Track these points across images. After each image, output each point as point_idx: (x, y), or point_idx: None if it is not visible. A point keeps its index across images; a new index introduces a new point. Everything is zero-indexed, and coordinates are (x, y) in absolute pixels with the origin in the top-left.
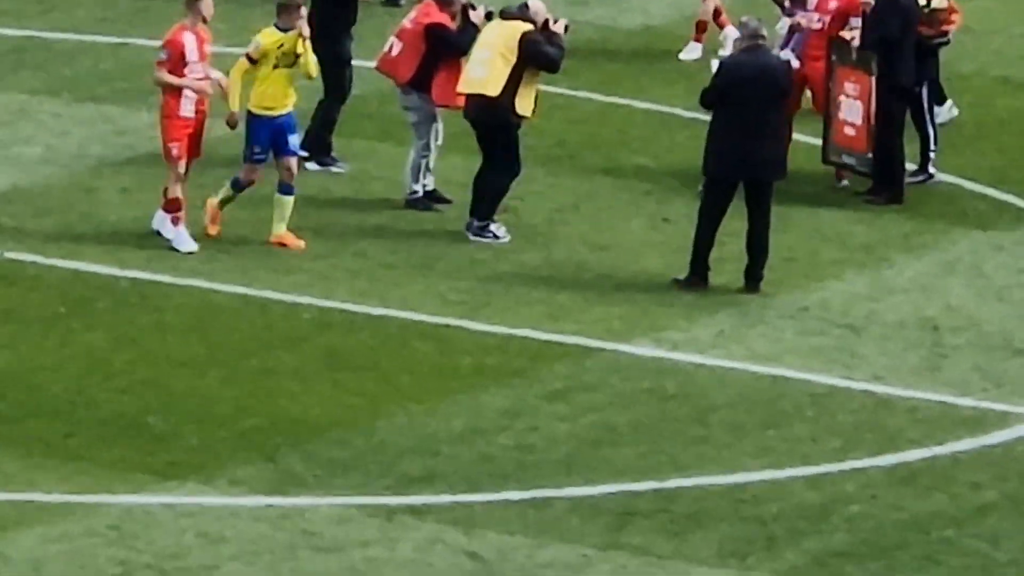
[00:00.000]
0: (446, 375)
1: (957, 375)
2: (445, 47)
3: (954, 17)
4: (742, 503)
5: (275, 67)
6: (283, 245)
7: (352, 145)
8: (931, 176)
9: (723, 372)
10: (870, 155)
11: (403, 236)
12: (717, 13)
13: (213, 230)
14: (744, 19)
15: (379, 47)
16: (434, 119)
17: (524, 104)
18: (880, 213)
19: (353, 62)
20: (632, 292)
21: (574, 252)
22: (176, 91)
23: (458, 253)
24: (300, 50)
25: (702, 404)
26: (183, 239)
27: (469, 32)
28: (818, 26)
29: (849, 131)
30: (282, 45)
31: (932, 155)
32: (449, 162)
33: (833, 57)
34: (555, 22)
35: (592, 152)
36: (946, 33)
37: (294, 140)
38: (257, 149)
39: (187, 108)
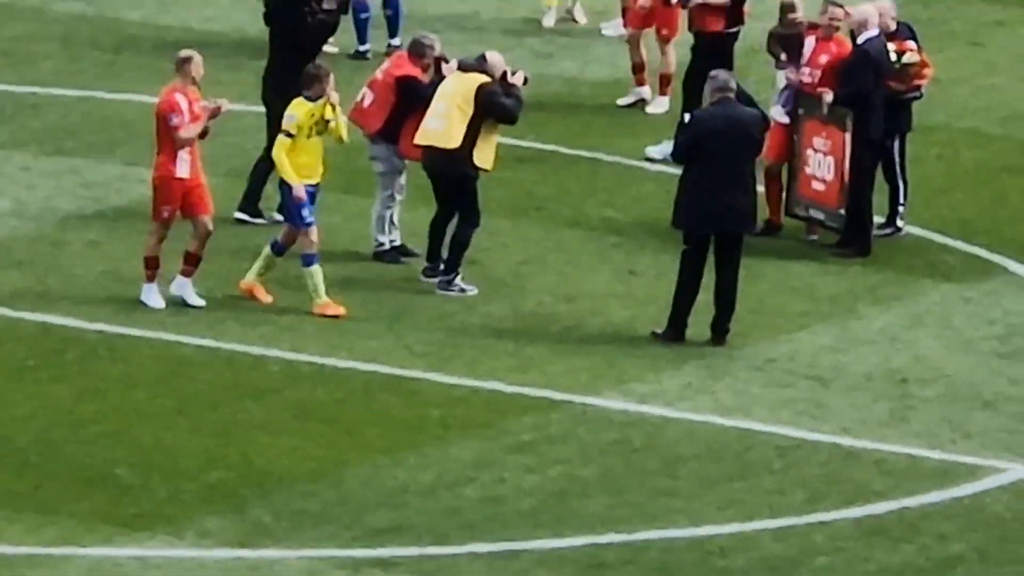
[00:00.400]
0: (413, 427)
1: (925, 427)
2: (416, 99)
3: (926, 71)
4: (709, 555)
5: (308, 136)
6: (326, 315)
7: (319, 198)
8: (899, 229)
9: (690, 424)
10: (842, 211)
11: (370, 288)
12: (638, 68)
13: (267, 298)
14: (713, 72)
15: (344, 97)
16: (400, 171)
17: (483, 156)
18: (847, 265)
19: None
20: (599, 344)
21: (541, 304)
22: (172, 152)
23: (425, 305)
24: (330, 116)
25: (669, 456)
26: (152, 295)
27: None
28: (809, 80)
29: (817, 185)
30: (314, 115)
31: (901, 208)
32: (418, 214)
33: (801, 110)
34: (513, 74)
35: (559, 204)
36: (919, 87)
37: (307, 211)
38: (306, 212)
39: (183, 169)
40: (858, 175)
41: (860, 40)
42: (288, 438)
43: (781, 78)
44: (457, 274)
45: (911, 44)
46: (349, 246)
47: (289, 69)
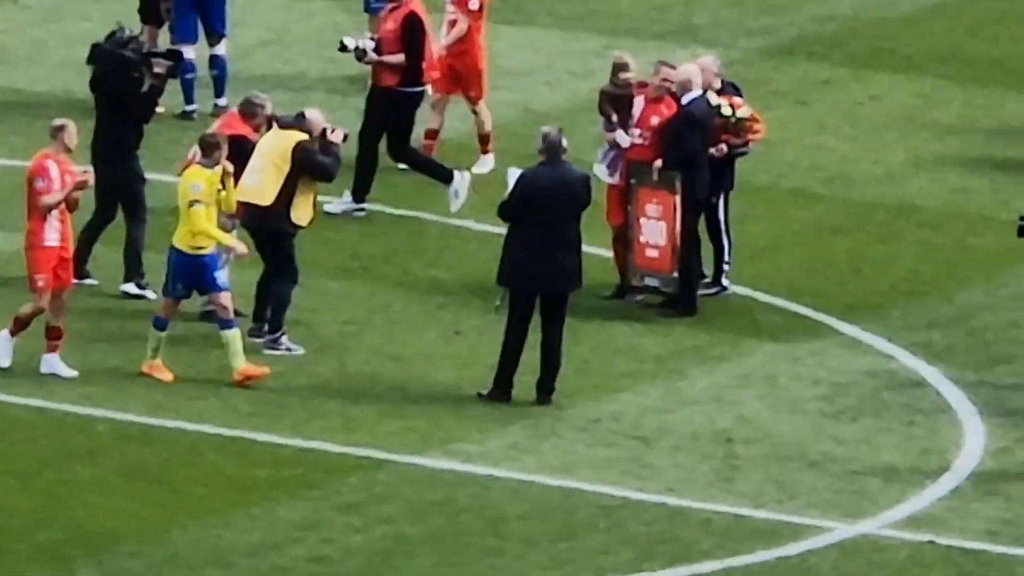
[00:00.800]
0: (241, 488)
1: (751, 487)
2: (246, 159)
3: (758, 127)
4: None
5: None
6: (250, 378)
7: (148, 259)
8: (724, 288)
9: (516, 484)
10: (675, 274)
11: (197, 348)
12: (431, 134)
13: (168, 376)
14: (545, 130)
15: (172, 157)
16: (228, 229)
17: (300, 214)
18: (673, 325)
19: (147, 176)
20: (426, 404)
21: (368, 364)
22: (41, 220)
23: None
24: (221, 186)
25: (495, 516)
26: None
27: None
28: (640, 142)
29: (651, 253)
30: (213, 183)
31: (726, 267)
32: (245, 274)
33: (632, 180)
34: (332, 131)
35: (385, 264)
36: (747, 143)
37: (221, 276)
38: (180, 286)
39: (52, 237)
40: (685, 235)
41: (684, 101)
42: (116, 498)
43: (623, 137)
44: (282, 332)
45: (739, 100)
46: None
47: (119, 135)
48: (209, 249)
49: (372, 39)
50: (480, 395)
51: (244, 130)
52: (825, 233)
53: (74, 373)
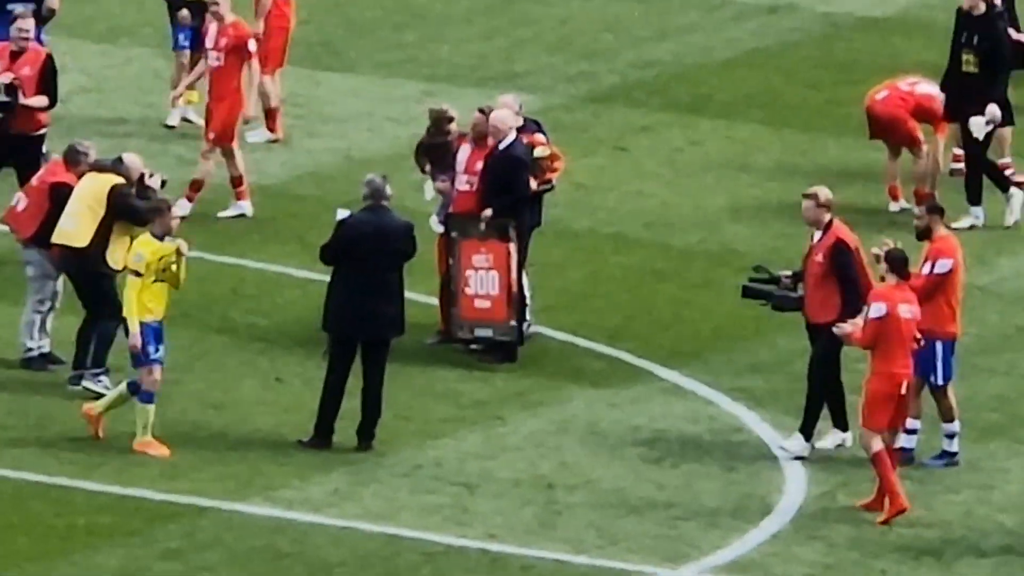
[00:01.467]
0: (62, 535)
1: (572, 532)
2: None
3: (557, 164)
4: None
5: (154, 280)
6: (146, 452)
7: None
8: (530, 324)
9: (337, 531)
10: (512, 322)
11: (17, 395)
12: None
13: (164, 451)
14: (369, 177)
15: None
16: (53, 277)
17: (115, 257)
18: (494, 371)
19: None
20: (246, 451)
21: (188, 411)
22: None
23: (73, 413)
24: (173, 261)
25: (316, 562)
26: None
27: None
28: (466, 188)
29: (482, 303)
30: (162, 257)
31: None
32: (66, 321)
33: (453, 233)
34: (151, 176)
35: (205, 311)
36: (550, 180)
37: (162, 348)
38: (152, 349)
39: None
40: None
41: (503, 146)
42: None
43: (430, 188)
44: (105, 371)
45: (540, 137)
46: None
47: None
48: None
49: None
50: (301, 442)
51: (67, 177)
52: (646, 279)
53: None
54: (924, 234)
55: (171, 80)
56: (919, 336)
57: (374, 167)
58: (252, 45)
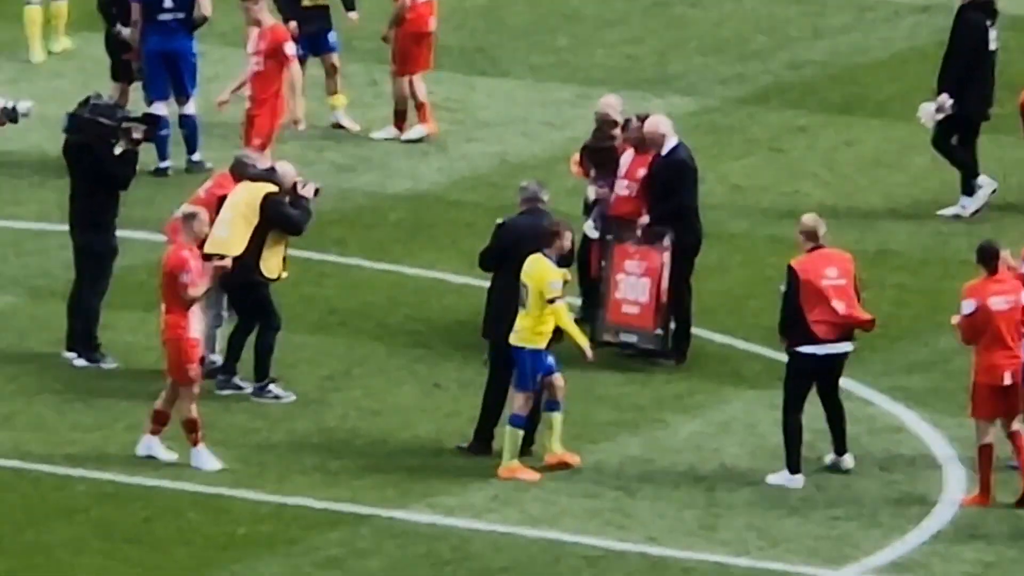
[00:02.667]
0: (220, 545)
1: (733, 534)
2: None
3: None
4: None
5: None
6: (564, 464)
7: (121, 317)
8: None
9: (498, 536)
10: (658, 331)
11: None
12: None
13: (534, 476)
14: (524, 183)
15: (147, 214)
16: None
17: (269, 266)
18: (653, 374)
19: (118, 232)
20: (405, 458)
21: (347, 419)
22: (184, 311)
23: (231, 422)
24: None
25: (478, 568)
26: (203, 457)
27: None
28: (626, 193)
29: (630, 309)
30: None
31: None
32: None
33: (608, 236)
34: (304, 186)
35: (363, 318)
36: None
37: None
38: (537, 375)
39: (197, 328)
40: (681, 284)
41: (665, 152)
42: (95, 558)
43: (592, 192)
44: (269, 381)
45: None
46: (153, 365)
47: (96, 204)
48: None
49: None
50: (460, 448)
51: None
52: None
53: (174, 456)
54: None
55: (325, 87)
56: None
57: (529, 171)
58: (289, 48)
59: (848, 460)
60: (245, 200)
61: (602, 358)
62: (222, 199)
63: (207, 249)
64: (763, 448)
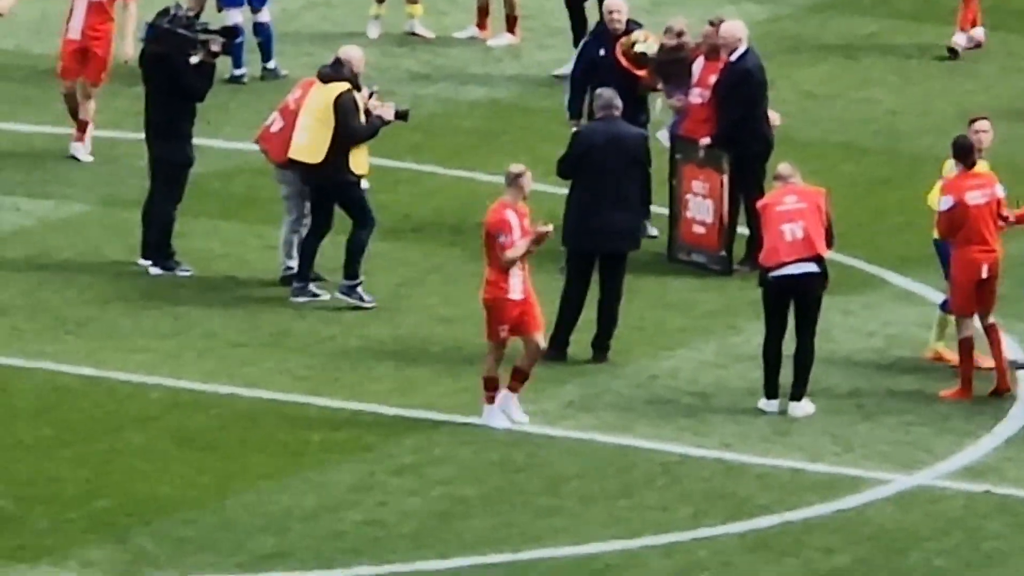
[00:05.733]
0: (295, 452)
1: (807, 440)
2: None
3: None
4: (595, 573)
5: None
6: (940, 359)
7: (196, 224)
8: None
9: (573, 443)
10: (723, 252)
11: (249, 314)
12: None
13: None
14: (599, 90)
15: (221, 122)
16: (306, 196)
17: (358, 162)
18: (726, 281)
19: (195, 141)
20: (480, 365)
21: (421, 326)
22: (504, 271)
23: (305, 329)
24: None
25: (552, 475)
26: (495, 416)
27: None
28: (699, 101)
29: (698, 229)
30: None
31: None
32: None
33: (677, 155)
34: (382, 104)
35: (437, 226)
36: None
37: None
38: None
39: (516, 290)
40: (753, 191)
41: (734, 58)
42: (170, 465)
43: (660, 104)
44: (359, 282)
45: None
46: (227, 271)
47: (173, 114)
48: None
49: None
50: None
51: None
52: (875, 186)
53: (526, 418)
54: None
55: None
56: (1006, 215)
57: None
58: None
59: (797, 407)
60: (319, 103)
61: (676, 266)
62: None
63: (290, 155)
64: (837, 354)
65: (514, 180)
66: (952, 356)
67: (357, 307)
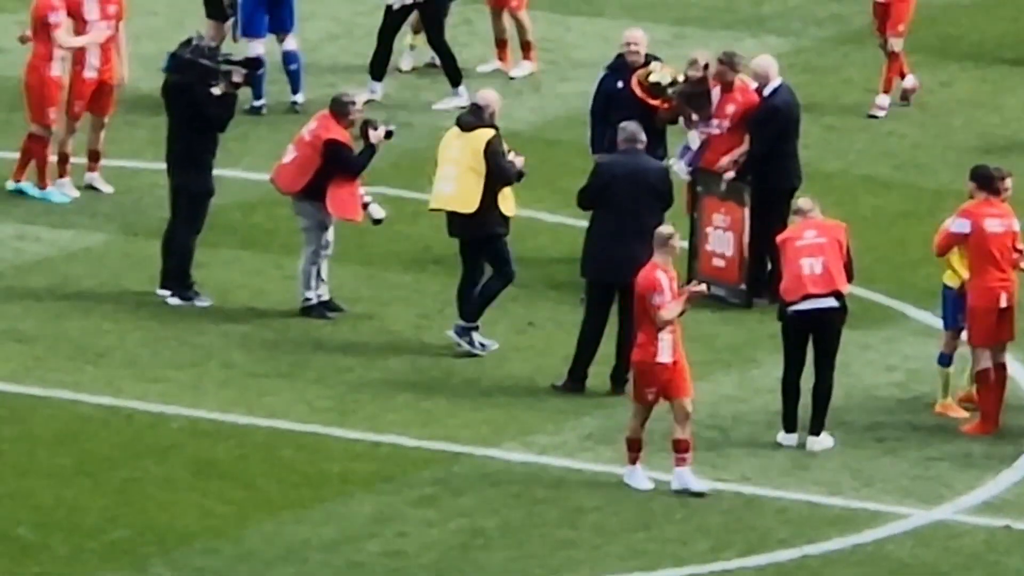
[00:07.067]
0: (314, 482)
1: (826, 474)
2: (340, 167)
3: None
4: None
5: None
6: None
7: (216, 254)
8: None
9: (592, 475)
10: (742, 286)
11: (269, 344)
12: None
13: (963, 414)
14: (623, 124)
15: (240, 152)
16: (325, 227)
17: (507, 204)
18: (746, 314)
19: (215, 171)
20: (499, 397)
21: (440, 357)
22: (654, 334)
23: (324, 360)
24: None
25: (571, 507)
26: (638, 478)
27: (367, 154)
28: (717, 131)
29: (718, 262)
30: None
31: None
32: (348, 270)
33: (699, 188)
34: (375, 128)
35: (458, 257)
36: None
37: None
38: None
39: (665, 354)
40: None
41: (767, 92)
42: (189, 495)
43: (694, 138)
44: (476, 327)
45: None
46: (246, 302)
47: (194, 144)
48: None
49: None
50: (554, 386)
51: (339, 133)
52: (897, 220)
53: (706, 487)
54: None
55: (411, 25)
56: (1022, 249)
57: None
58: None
59: (815, 442)
60: (468, 152)
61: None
62: (328, 143)
63: (434, 206)
64: (857, 388)
65: (665, 242)
66: (958, 412)
67: (479, 349)
